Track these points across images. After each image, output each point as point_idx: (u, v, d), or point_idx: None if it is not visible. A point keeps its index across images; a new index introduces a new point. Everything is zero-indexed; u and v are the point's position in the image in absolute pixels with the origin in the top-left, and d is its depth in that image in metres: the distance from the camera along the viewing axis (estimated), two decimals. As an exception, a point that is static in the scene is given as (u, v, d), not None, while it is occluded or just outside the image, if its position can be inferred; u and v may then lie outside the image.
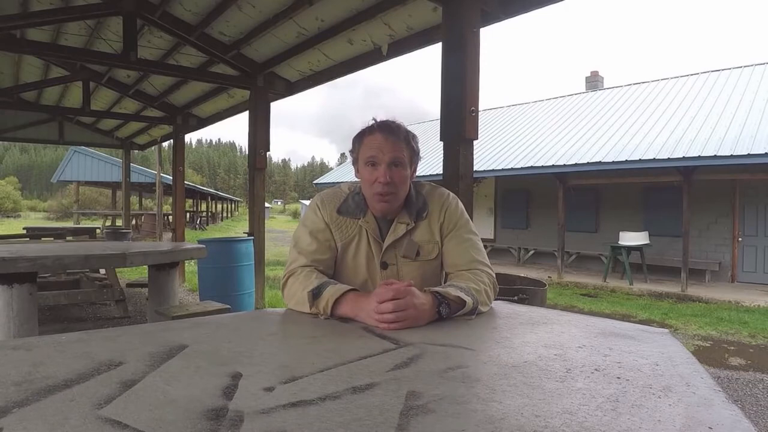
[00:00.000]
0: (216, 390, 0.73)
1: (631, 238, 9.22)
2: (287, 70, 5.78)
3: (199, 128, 8.60)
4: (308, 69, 5.63)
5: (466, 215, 1.46)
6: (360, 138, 1.39)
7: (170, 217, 18.71)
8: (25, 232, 9.16)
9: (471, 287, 1.25)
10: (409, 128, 1.43)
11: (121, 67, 5.79)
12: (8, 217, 38.77)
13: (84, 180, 22.71)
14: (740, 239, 9.39)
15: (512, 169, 11.08)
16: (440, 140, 3.01)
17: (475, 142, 3.02)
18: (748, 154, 7.63)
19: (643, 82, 13.27)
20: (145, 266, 4.81)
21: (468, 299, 1.19)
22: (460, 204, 1.46)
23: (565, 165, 9.88)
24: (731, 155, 7.81)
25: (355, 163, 1.43)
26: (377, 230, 1.40)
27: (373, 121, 1.41)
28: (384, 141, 1.33)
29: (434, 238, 1.41)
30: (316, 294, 1.23)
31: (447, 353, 0.93)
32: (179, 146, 8.62)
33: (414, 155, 1.40)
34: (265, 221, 6.38)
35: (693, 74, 12.34)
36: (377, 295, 1.14)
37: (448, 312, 1.18)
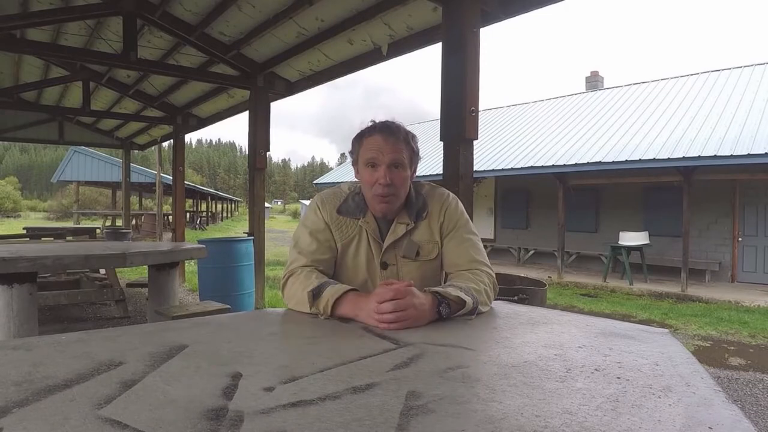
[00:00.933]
0: (216, 390, 0.73)
1: (631, 238, 9.22)
2: (287, 70, 5.78)
3: (199, 128, 8.60)
4: (308, 69, 5.63)
5: (466, 215, 1.46)
6: (359, 139, 1.39)
7: (170, 217, 18.71)
8: (25, 232, 9.16)
9: (471, 287, 1.25)
10: (409, 128, 1.43)
11: (121, 67, 5.79)
12: (8, 217, 38.75)
13: (84, 180, 22.72)
14: (740, 239, 9.39)
15: (512, 169, 11.08)
16: (440, 140, 3.01)
17: (475, 142, 3.02)
18: (748, 154, 7.63)
19: (643, 82, 13.27)
20: (145, 266, 4.81)
21: (468, 299, 1.19)
22: (460, 204, 1.46)
23: (565, 165, 9.88)
24: (731, 155, 7.81)
25: (354, 164, 1.42)
26: (377, 230, 1.40)
27: (373, 122, 1.40)
28: (384, 142, 1.33)
29: (434, 238, 1.41)
30: (316, 294, 1.23)
31: (447, 353, 0.93)
32: (179, 146, 8.62)
33: (414, 156, 1.40)
34: (265, 221, 6.38)
35: (693, 74, 12.34)
36: (377, 295, 1.14)
37: (449, 312, 1.18)
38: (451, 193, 1.47)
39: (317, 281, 1.26)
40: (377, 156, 1.33)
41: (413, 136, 1.41)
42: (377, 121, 1.41)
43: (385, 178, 1.31)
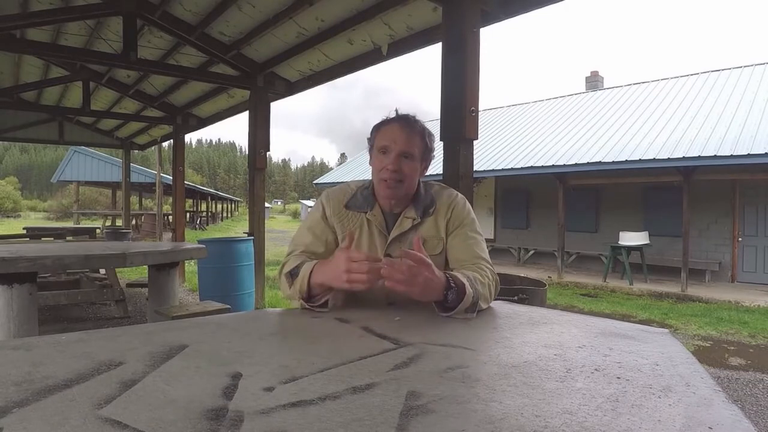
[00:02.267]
0: (216, 390, 0.72)
1: (631, 238, 9.22)
2: (287, 70, 5.78)
3: (199, 128, 8.61)
4: (308, 69, 5.63)
5: (473, 215, 1.48)
6: (378, 127, 1.43)
7: (170, 217, 18.70)
8: (25, 232, 9.16)
9: (477, 277, 1.26)
10: None
11: (121, 67, 5.80)
12: (8, 217, 38.72)
13: (84, 180, 22.71)
14: (740, 239, 9.39)
15: (512, 169, 11.08)
16: (440, 140, 3.00)
17: (475, 142, 3.02)
18: (748, 154, 7.63)
19: (643, 82, 13.27)
20: (145, 266, 4.81)
21: (470, 291, 1.19)
22: (468, 204, 1.49)
23: (565, 165, 9.88)
24: (731, 155, 7.81)
25: (370, 151, 1.47)
26: (384, 223, 1.43)
27: (395, 113, 1.45)
28: (399, 131, 1.37)
29: (439, 234, 1.43)
30: (294, 274, 1.27)
31: (447, 353, 0.93)
32: (179, 146, 8.62)
33: (427, 151, 1.43)
34: (265, 221, 6.38)
35: (693, 74, 12.35)
36: (346, 258, 1.15)
37: (455, 299, 1.18)
38: (459, 194, 1.50)
39: (297, 261, 1.32)
40: (390, 144, 1.37)
41: (429, 134, 1.44)
42: (398, 112, 1.45)
43: (393, 164, 1.34)
